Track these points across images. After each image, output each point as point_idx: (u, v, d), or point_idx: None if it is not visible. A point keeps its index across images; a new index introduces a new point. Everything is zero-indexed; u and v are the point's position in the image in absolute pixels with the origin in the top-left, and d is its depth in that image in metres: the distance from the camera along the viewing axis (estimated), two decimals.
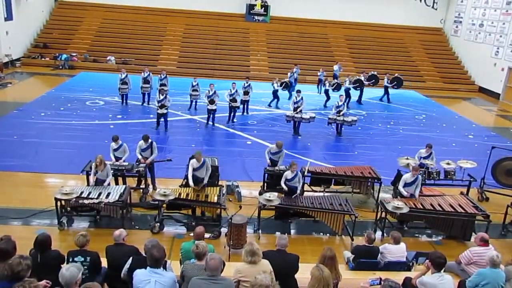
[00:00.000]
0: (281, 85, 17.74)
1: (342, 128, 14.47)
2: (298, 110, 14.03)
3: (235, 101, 14.66)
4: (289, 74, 19.18)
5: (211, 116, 14.44)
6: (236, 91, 14.69)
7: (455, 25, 26.83)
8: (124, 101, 16.32)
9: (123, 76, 15.97)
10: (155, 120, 13.72)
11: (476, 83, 24.45)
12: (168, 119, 13.80)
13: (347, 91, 17.40)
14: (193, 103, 16.25)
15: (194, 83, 15.87)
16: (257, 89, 19.40)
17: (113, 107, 15.94)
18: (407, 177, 8.70)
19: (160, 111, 13.32)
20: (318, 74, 20.15)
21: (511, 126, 17.58)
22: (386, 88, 19.72)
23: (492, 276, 5.30)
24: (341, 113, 14.15)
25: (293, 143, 13.37)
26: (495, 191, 10.20)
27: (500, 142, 13.90)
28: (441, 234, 8.54)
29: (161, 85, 15.92)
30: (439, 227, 8.32)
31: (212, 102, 14.14)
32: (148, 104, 16.34)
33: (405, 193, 8.60)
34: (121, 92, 16.13)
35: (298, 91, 14.63)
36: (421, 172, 9.66)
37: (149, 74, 16.27)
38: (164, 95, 13.33)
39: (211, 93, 14.29)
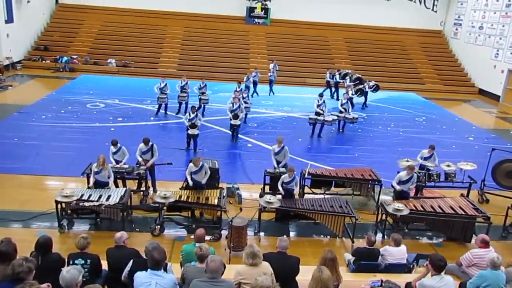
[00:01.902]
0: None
1: (345, 126, 14.93)
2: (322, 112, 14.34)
3: (237, 117, 13.11)
4: (245, 78, 18.14)
5: (235, 132, 13.27)
6: (239, 106, 13.22)
7: (455, 27, 26.88)
8: (164, 111, 15.52)
9: (163, 85, 15.12)
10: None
11: (476, 85, 24.47)
12: (168, 121, 13.78)
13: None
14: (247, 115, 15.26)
15: (245, 95, 14.91)
16: (258, 92, 19.49)
17: (114, 109, 15.95)
18: (402, 175, 8.80)
19: (191, 131, 11.80)
20: (269, 75, 20.05)
21: (511, 128, 17.59)
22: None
23: (492, 278, 5.30)
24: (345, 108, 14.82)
25: (294, 145, 13.35)
26: (495, 193, 10.19)
27: (500, 144, 13.89)
28: (441, 236, 8.54)
29: (201, 93, 15.52)
30: (439, 229, 8.32)
31: (236, 117, 13.09)
32: (185, 113, 15.02)
33: (398, 187, 8.77)
34: (160, 102, 15.34)
35: (321, 95, 14.83)
36: (421, 173, 9.71)
37: (186, 83, 15.57)
38: (195, 113, 11.98)
39: (235, 107, 13.16)
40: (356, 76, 19.44)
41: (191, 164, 8.55)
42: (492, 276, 5.32)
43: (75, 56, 22.82)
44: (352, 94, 17.16)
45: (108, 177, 8.38)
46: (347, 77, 19.50)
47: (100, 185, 8.38)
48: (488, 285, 5.28)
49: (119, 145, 9.32)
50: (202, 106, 15.52)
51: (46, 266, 4.97)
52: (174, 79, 21.57)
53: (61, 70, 21.93)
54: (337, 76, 19.77)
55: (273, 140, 13.26)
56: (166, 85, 15.19)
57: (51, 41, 23.94)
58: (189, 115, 11.99)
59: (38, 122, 13.86)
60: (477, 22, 24.63)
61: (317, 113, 14.40)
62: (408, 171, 8.70)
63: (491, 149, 10.55)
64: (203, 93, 15.63)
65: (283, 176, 8.70)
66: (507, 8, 22.16)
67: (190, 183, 8.53)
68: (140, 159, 9.33)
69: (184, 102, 15.57)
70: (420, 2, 27.45)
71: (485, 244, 6.27)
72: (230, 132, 13.48)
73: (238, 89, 15.08)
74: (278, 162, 9.76)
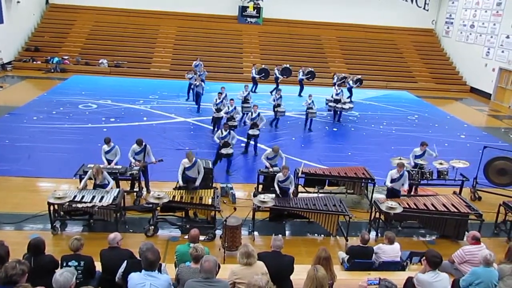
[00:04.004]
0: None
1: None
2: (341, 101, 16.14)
3: (256, 126, 12.23)
4: (196, 83, 16.57)
5: (253, 142, 12.28)
6: (259, 114, 12.43)
7: (447, 26, 27.07)
8: (216, 127, 13.75)
9: (218, 101, 13.80)
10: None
11: (467, 84, 24.66)
12: (162, 121, 13.67)
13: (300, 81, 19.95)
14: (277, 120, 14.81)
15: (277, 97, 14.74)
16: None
17: (106, 110, 15.86)
18: (393, 173, 8.84)
19: (224, 150, 10.57)
20: (200, 74, 19.09)
21: (503, 126, 17.76)
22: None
23: (485, 275, 5.34)
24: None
25: (288, 145, 13.38)
26: (487, 190, 10.30)
27: (491, 141, 14.03)
28: (434, 234, 8.60)
29: (275, 106, 14.87)
30: (432, 226, 8.37)
31: (255, 125, 12.21)
32: (245, 124, 13.75)
33: (389, 185, 8.80)
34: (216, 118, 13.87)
35: (339, 85, 16.70)
36: (414, 171, 9.76)
37: (248, 93, 15.04)
38: (228, 131, 10.98)
39: (254, 115, 12.39)
40: (309, 70, 20.48)
41: (184, 159, 8.54)
42: (485, 273, 5.36)
43: (66, 57, 22.64)
44: (353, 84, 18.58)
45: (108, 182, 8.32)
46: (302, 72, 20.10)
47: (100, 186, 8.36)
48: (481, 282, 5.31)
49: (112, 143, 9.28)
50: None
51: (38, 268, 4.93)
52: (167, 79, 21.65)
53: (52, 71, 21.75)
54: (277, 72, 20.08)
55: (267, 139, 13.35)
56: (222, 101, 13.79)
57: (42, 42, 23.73)
58: (221, 132, 10.98)
59: (30, 124, 13.74)
60: (468, 20, 24.82)
61: (336, 101, 16.05)
62: (398, 169, 8.75)
63: (483, 147, 10.62)
64: (278, 105, 14.93)
65: (278, 175, 8.73)
66: (498, 7, 22.35)
67: (181, 182, 8.51)
68: (132, 160, 9.28)
69: (246, 113, 14.11)
70: (412, 1, 27.60)
71: (476, 241, 6.32)
72: (246, 142, 12.44)
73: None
74: (271, 165, 9.78)
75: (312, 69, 20.97)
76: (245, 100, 15.08)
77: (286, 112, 15.28)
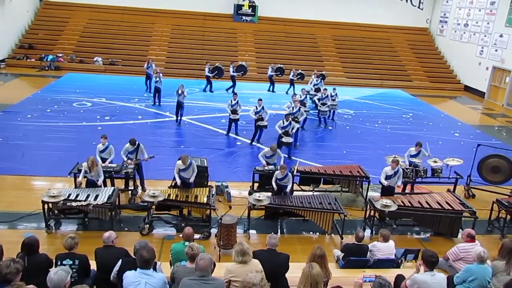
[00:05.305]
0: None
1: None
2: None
3: (297, 120, 12.94)
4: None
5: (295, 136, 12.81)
6: (299, 109, 13.21)
7: (441, 25, 27.19)
8: (231, 130, 13.71)
9: (234, 102, 13.43)
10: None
11: (461, 82, 24.80)
12: (156, 119, 13.59)
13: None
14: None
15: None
16: (246, 89, 19.49)
17: (101, 108, 15.78)
18: (387, 170, 8.89)
19: (285, 139, 11.45)
20: (155, 76, 17.30)
21: (496, 124, 17.88)
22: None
23: (479, 272, 5.38)
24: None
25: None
26: (481, 188, 10.37)
27: (485, 139, 14.12)
28: (428, 231, 8.66)
29: (320, 105, 15.03)
30: (426, 224, 8.42)
31: (294, 120, 12.69)
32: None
33: (385, 183, 8.84)
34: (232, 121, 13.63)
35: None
36: (409, 169, 9.80)
37: (306, 96, 14.87)
38: (289, 121, 11.74)
39: (295, 110, 13.03)
40: (278, 66, 20.75)
41: (179, 162, 8.54)
42: (479, 270, 5.40)
43: (60, 55, 22.48)
44: (318, 80, 18.38)
45: (98, 176, 8.30)
46: (271, 68, 20.26)
47: (91, 184, 8.34)
48: (475, 279, 5.35)
49: (107, 142, 9.25)
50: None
51: (33, 267, 4.91)
52: (162, 78, 21.50)
53: (47, 68, 21.60)
54: (231, 70, 19.70)
55: (262, 138, 13.32)
56: (237, 102, 13.46)
57: (36, 39, 23.54)
58: (283, 122, 11.74)
59: (24, 122, 13.64)
60: (462, 19, 24.93)
61: (317, 90, 16.73)
62: (392, 165, 8.80)
63: (476, 144, 10.69)
64: (324, 105, 15.25)
65: (276, 173, 8.78)
66: (492, 6, 22.47)
67: (178, 182, 8.54)
68: (125, 158, 9.25)
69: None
70: (407, 0, 27.68)
71: (471, 239, 6.36)
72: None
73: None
74: (268, 163, 9.80)
75: (282, 66, 21.02)
76: (302, 103, 14.68)
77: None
